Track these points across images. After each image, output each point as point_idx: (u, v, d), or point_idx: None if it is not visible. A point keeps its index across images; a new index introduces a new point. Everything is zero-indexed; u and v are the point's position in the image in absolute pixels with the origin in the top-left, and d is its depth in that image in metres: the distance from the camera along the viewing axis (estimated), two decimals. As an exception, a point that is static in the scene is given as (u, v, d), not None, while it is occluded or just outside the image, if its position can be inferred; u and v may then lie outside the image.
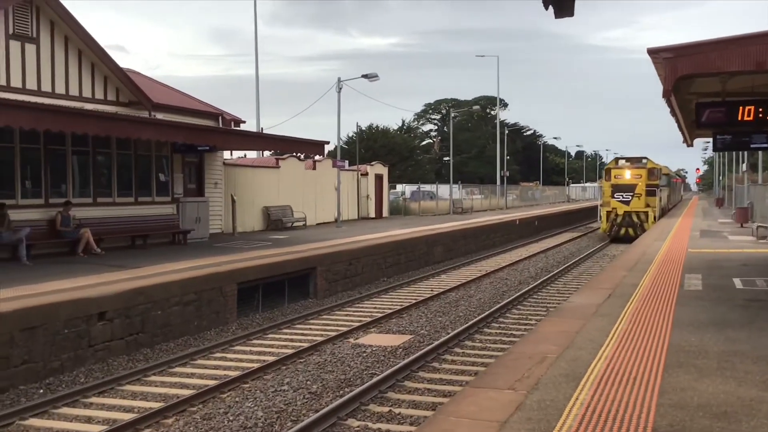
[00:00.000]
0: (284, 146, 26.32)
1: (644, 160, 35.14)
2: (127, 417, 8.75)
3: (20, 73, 17.36)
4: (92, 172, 19.08)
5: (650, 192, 33.90)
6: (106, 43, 19.18)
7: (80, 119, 15.48)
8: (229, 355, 12.08)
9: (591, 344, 7.73)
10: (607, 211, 34.28)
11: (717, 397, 5.83)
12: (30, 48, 17.64)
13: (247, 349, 12.59)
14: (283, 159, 30.14)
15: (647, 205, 33.69)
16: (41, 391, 10.05)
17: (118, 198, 19.83)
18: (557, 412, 5.42)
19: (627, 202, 33.44)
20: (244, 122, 26.63)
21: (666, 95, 9.38)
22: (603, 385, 6.11)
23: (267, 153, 36.51)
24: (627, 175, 33.97)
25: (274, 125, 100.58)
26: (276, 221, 27.98)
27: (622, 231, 33.46)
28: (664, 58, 8.40)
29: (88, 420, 8.82)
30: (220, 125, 24.57)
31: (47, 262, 15.79)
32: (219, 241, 21.65)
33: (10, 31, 17.11)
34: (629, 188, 33.62)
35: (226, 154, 26.16)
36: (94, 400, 9.61)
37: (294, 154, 30.20)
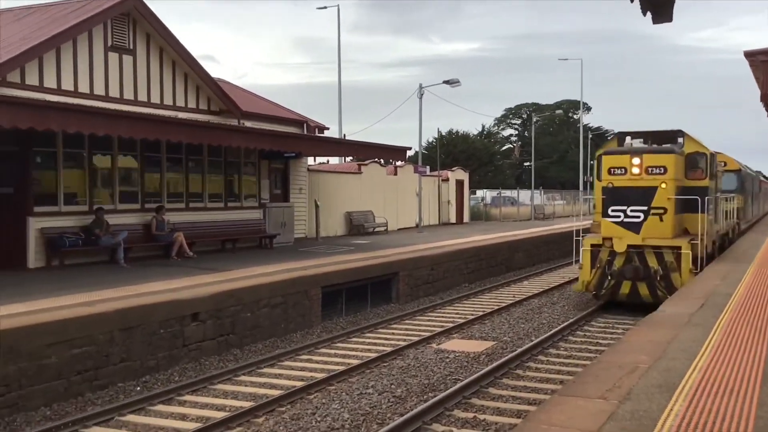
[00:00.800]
0: (366, 152, 26.68)
1: (680, 139, 17.39)
2: (220, 415, 9.05)
3: (118, 83, 18.20)
4: (185, 178, 19.84)
5: (687, 204, 16.44)
6: (198, 54, 20.23)
7: (174, 127, 16.14)
8: (314, 357, 12.33)
9: (684, 354, 7.54)
10: (591, 245, 16.32)
11: (821, 413, 5.59)
12: (127, 59, 18.47)
13: (332, 351, 12.81)
14: (365, 165, 30.49)
15: (681, 231, 16.56)
16: (138, 388, 10.50)
17: (208, 203, 20.54)
18: (651, 422, 5.33)
19: (635, 227, 15.77)
20: (327, 129, 27.13)
21: (764, 99, 9.08)
22: (698, 397, 5.97)
23: (349, 159, 37.02)
24: (635, 166, 15.88)
25: (356, 131, 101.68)
26: (358, 226, 28.33)
27: (625, 288, 15.91)
28: (762, 60, 8.14)
29: (182, 417, 9.15)
30: (305, 132, 25.11)
31: (143, 264, 16.49)
32: (303, 246, 22.08)
33: (109, 44, 17.97)
34: (640, 195, 15.80)
35: (310, 160, 26.69)
36: (187, 398, 9.98)
37: (376, 159, 30.53)
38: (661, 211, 15.73)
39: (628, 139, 17.16)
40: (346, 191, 28.55)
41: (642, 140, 17.30)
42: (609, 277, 16.01)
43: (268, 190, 23.20)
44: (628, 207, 15.84)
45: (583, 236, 16.84)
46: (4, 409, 8.95)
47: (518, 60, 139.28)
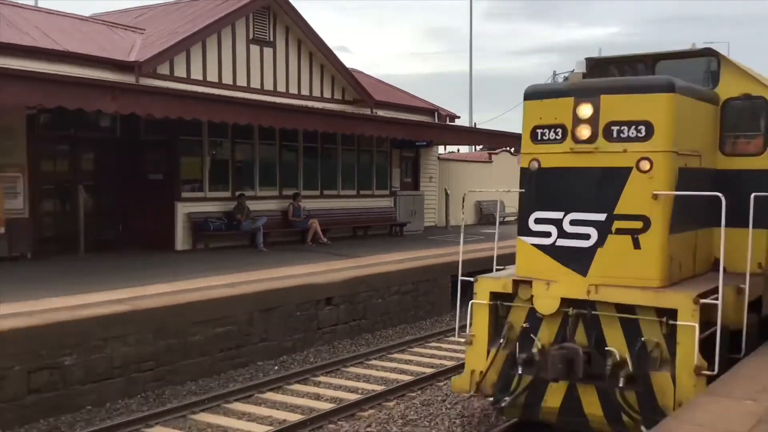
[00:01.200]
0: (497, 141, 26.37)
1: (702, 64, 7.98)
2: (352, 397, 9.26)
3: (259, 74, 18.95)
4: (320, 166, 20.41)
5: (711, 207, 6.91)
6: (332, 45, 20.60)
7: (311, 117, 16.64)
8: (444, 345, 12.36)
9: None
10: (491, 295, 7.60)
11: None
12: (267, 51, 19.19)
13: (461, 341, 12.77)
14: (495, 153, 30.15)
15: (699, 267, 7.33)
16: (276, 368, 10.90)
17: (342, 191, 21.04)
18: (807, 429, 4.98)
19: (578, 259, 6.86)
20: (458, 117, 27.05)
21: None
22: None
23: (479, 147, 36.72)
24: (583, 123, 6.78)
25: (487, 120, 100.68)
26: (488, 215, 28.09)
27: (554, 396, 6.88)
28: None
29: (317, 397, 9.43)
30: (436, 121, 25.15)
31: (280, 249, 17.11)
32: (432, 234, 22.16)
33: (251, 36, 18.73)
34: (593, 188, 6.84)
35: (440, 149, 26.71)
36: (322, 379, 10.27)
37: (506, 148, 30.12)
38: (638, 224, 6.73)
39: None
40: (476, 180, 28.34)
41: (633, 70, 8.39)
42: (519, 369, 7.09)
43: (398, 179, 23.46)
44: (565, 214, 7.10)
45: (475, 287, 8.09)
46: (154, 383, 9.56)
47: (658, 44, 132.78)
